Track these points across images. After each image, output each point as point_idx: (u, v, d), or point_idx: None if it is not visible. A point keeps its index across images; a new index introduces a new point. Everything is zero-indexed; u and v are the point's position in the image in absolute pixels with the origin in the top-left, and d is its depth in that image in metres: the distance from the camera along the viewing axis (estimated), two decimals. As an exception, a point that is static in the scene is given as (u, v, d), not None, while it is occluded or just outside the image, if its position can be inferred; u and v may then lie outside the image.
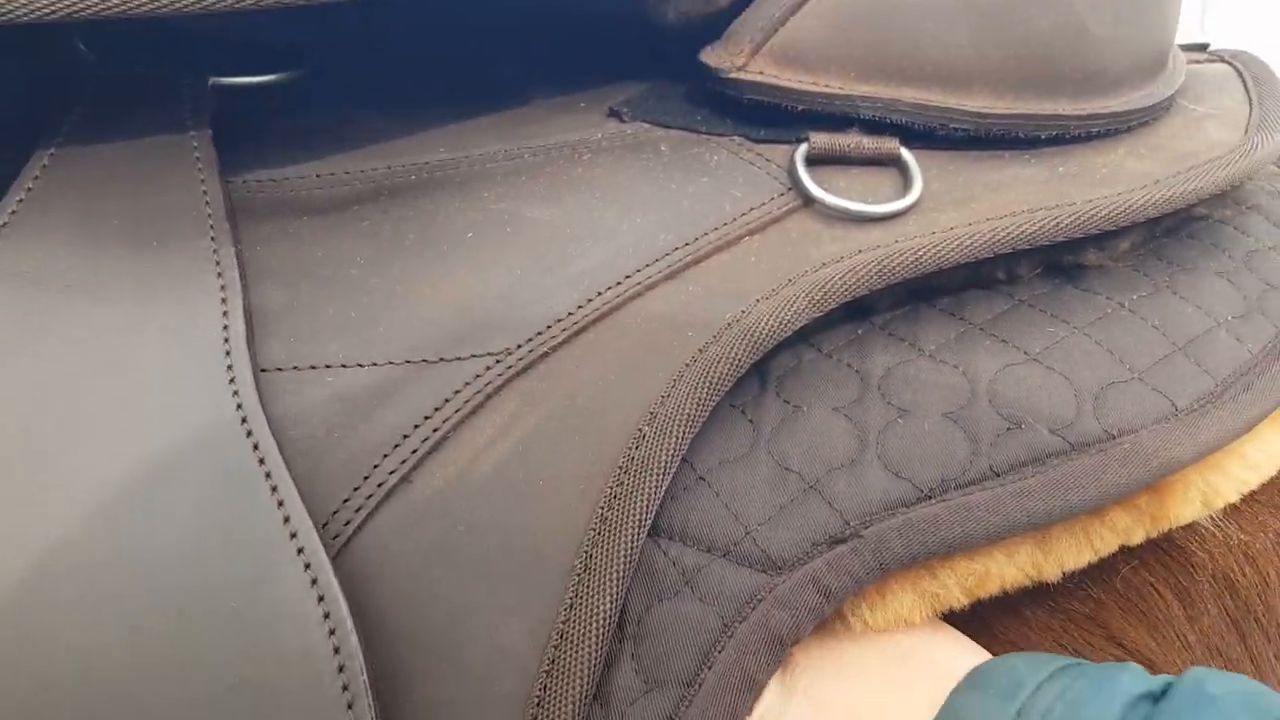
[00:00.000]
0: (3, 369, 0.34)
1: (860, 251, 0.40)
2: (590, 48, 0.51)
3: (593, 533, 0.35)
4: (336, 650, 0.31)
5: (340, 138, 0.45)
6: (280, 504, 0.33)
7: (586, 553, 0.35)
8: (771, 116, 0.45)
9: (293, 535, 0.33)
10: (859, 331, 0.41)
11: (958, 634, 0.36)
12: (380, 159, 0.44)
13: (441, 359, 0.38)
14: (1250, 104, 0.51)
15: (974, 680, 0.33)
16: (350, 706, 0.31)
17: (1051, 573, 0.36)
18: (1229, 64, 0.56)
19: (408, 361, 0.38)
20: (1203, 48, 0.59)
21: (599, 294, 0.40)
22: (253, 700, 0.31)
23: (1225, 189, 0.45)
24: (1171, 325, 0.41)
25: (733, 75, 0.45)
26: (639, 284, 0.40)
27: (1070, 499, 0.35)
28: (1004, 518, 0.35)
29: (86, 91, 0.41)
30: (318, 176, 0.43)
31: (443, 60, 0.50)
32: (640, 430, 0.36)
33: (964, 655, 0.35)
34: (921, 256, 0.40)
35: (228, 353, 0.35)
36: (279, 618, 0.32)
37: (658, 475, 0.36)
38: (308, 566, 0.32)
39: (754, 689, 0.33)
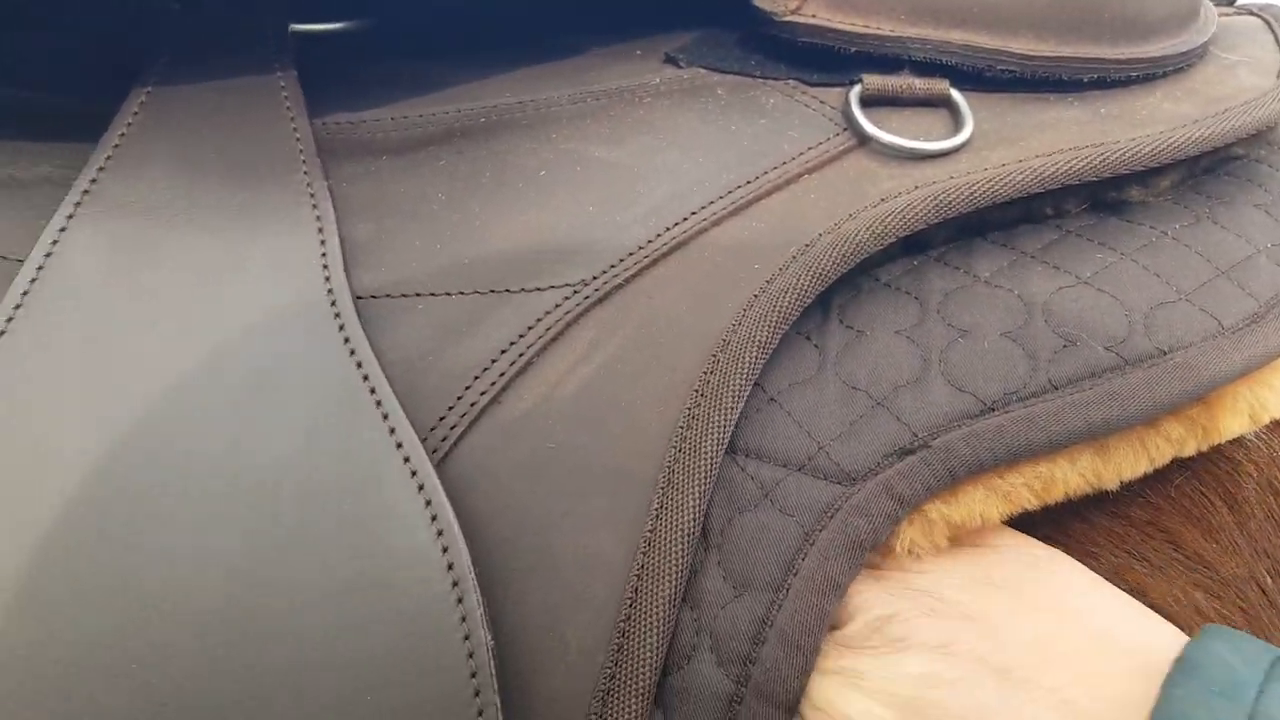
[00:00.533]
0: (117, 292, 0.36)
1: (917, 188, 0.42)
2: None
3: (674, 450, 0.37)
4: (445, 550, 0.33)
5: (411, 82, 0.46)
6: (385, 417, 0.35)
7: (669, 467, 0.36)
8: (824, 59, 0.47)
9: (399, 445, 0.35)
10: (915, 262, 0.43)
11: (1073, 561, 0.38)
12: (450, 103, 0.46)
13: (523, 289, 0.39)
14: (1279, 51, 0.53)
15: (1185, 671, 0.32)
16: (460, 601, 0.33)
17: (1111, 480, 0.38)
18: (1258, 16, 0.58)
19: (492, 291, 0.39)
20: (1231, 2, 0.61)
21: (667, 229, 0.41)
22: (366, 597, 0.33)
23: (1259, 129, 0.47)
24: (1214, 252, 0.43)
25: (786, 18, 0.47)
26: (704, 220, 0.42)
27: (1127, 409, 0.37)
28: (1064, 427, 0.37)
29: (174, 37, 0.42)
30: (392, 119, 0.45)
31: (499, 11, 0.52)
32: (715, 356, 0.38)
33: (1084, 580, 0.37)
34: (976, 191, 0.42)
35: (327, 279, 0.37)
36: (389, 520, 0.33)
37: (733, 397, 0.37)
38: (414, 474, 0.34)
39: (839, 591, 0.35)
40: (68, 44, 0.44)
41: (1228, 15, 0.59)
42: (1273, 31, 0.55)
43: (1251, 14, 0.59)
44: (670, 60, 0.49)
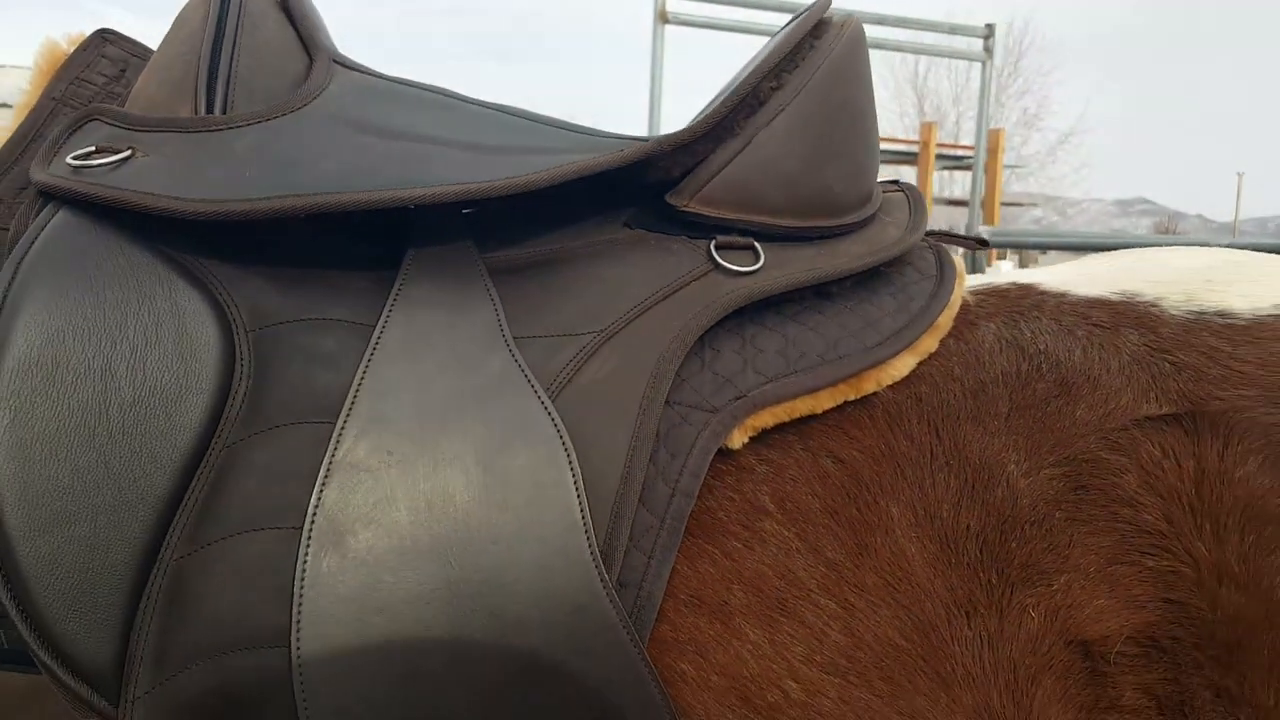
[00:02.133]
0: (416, 341, 0.86)
1: (742, 289, 0.96)
2: (596, 190, 1.05)
3: (645, 399, 0.89)
4: (562, 440, 0.85)
5: (502, 234, 0.98)
6: (536, 393, 0.86)
7: (643, 407, 0.89)
8: (699, 227, 1.01)
9: (543, 404, 0.86)
10: (740, 319, 0.97)
11: None
12: (523, 248, 0.98)
13: (578, 334, 0.92)
14: (910, 214, 1.11)
15: None
16: (571, 468, 0.84)
17: (819, 409, 0.93)
18: (902, 192, 1.16)
19: (565, 335, 0.91)
20: (894, 183, 1.19)
21: (632, 308, 0.95)
22: (532, 477, 0.84)
23: (895, 257, 1.04)
24: (868, 314, 0.99)
25: (681, 209, 1.01)
26: (651, 301, 0.95)
27: (823, 381, 0.93)
28: (799, 388, 0.92)
29: (415, 221, 0.93)
30: (497, 255, 0.96)
31: (540, 203, 1.04)
32: (659, 361, 0.91)
33: None
34: (769, 289, 0.96)
35: (503, 333, 0.88)
36: (537, 432, 0.85)
37: (668, 379, 0.91)
38: (552, 419, 0.86)
39: (710, 454, 0.88)
40: (358, 224, 0.94)
41: (890, 191, 1.17)
42: (908, 201, 1.13)
43: (900, 189, 1.17)
44: (626, 225, 1.02)
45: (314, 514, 0.82)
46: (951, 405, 0.96)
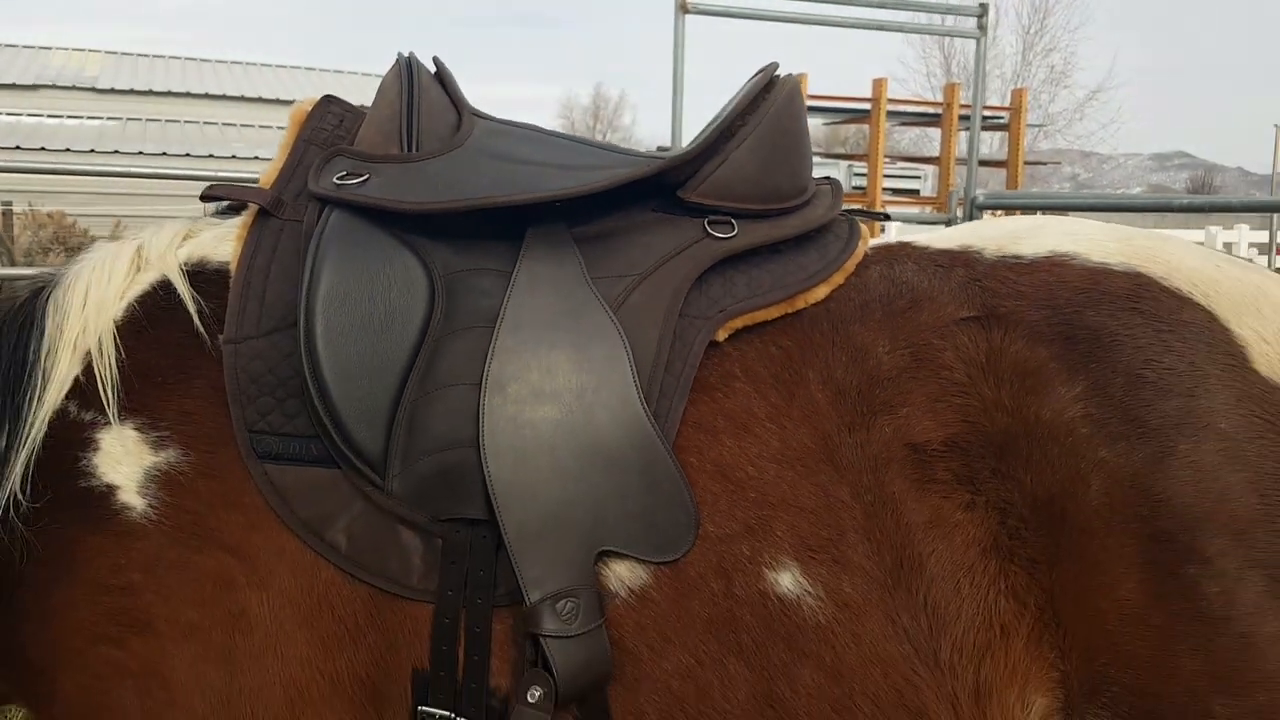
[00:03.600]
0: (538, 283, 1.54)
1: (724, 248, 1.63)
2: (635, 189, 1.71)
3: (667, 313, 1.57)
4: (625, 344, 1.53)
5: (581, 219, 1.65)
6: (607, 312, 1.54)
7: (666, 317, 1.56)
8: (698, 211, 1.68)
9: (611, 320, 1.54)
10: (723, 266, 1.64)
11: None
12: (591, 225, 1.65)
13: (628, 275, 1.60)
14: (832, 200, 1.77)
15: None
16: (629, 360, 1.52)
17: (770, 318, 1.60)
18: (829, 185, 1.82)
19: (620, 275, 1.59)
20: (826, 179, 1.84)
21: (658, 259, 1.62)
22: (614, 376, 1.52)
23: (819, 227, 1.70)
24: (801, 262, 1.66)
25: (687, 200, 1.68)
26: (668, 256, 1.63)
27: (779, 297, 1.60)
28: (758, 304, 1.59)
29: (532, 214, 1.61)
30: (579, 228, 1.63)
31: (599, 199, 1.70)
32: (676, 291, 1.59)
33: None
34: (740, 248, 1.63)
35: (584, 272, 1.56)
36: (612, 336, 1.53)
37: (680, 300, 1.58)
38: (618, 331, 1.54)
39: (704, 345, 1.56)
40: (500, 215, 1.61)
41: (822, 184, 1.82)
42: (832, 191, 1.79)
43: (828, 183, 1.83)
44: (652, 209, 1.69)
45: (486, 375, 1.50)
46: (847, 314, 1.63)
